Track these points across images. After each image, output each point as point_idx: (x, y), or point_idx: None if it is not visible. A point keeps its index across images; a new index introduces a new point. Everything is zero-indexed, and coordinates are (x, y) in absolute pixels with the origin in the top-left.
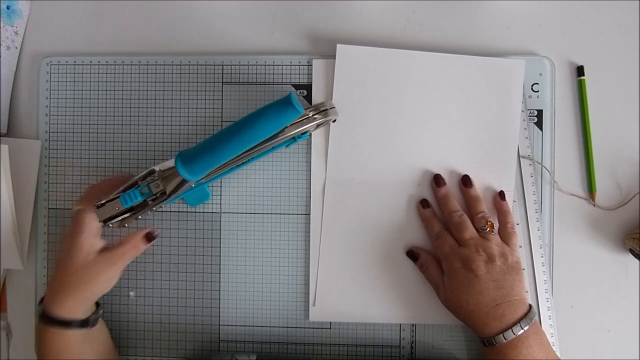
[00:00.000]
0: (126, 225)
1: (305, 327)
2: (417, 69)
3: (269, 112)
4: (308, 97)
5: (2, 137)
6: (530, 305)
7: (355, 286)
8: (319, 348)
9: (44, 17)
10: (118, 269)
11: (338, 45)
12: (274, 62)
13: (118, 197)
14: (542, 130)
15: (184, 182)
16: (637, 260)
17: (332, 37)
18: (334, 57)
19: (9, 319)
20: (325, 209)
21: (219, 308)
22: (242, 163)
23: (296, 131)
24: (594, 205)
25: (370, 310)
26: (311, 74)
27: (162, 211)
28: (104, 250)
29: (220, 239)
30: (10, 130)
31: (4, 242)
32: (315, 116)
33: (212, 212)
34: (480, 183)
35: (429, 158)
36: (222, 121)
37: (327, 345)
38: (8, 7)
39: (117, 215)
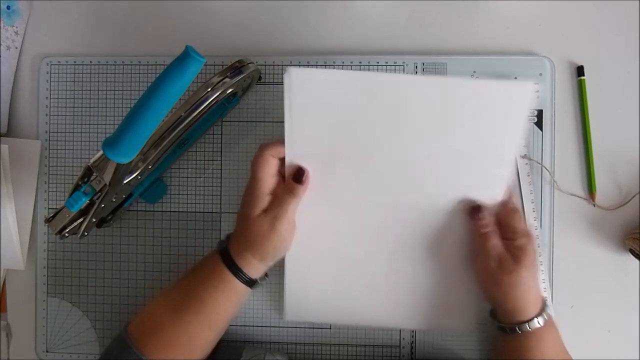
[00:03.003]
0: (86, 234)
1: (305, 327)
2: (388, 94)
3: (170, 69)
4: None
5: (2, 137)
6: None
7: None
8: (319, 348)
9: (44, 17)
10: (283, 224)
11: (288, 68)
12: (273, 62)
13: (64, 206)
14: (542, 130)
15: (119, 166)
16: (637, 260)
17: (332, 37)
18: (335, 55)
19: (9, 319)
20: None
21: None
22: (184, 144)
23: (218, 94)
24: (594, 205)
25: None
26: None
27: (162, 211)
28: (269, 210)
29: (220, 239)
30: (10, 130)
31: (4, 242)
32: (231, 74)
33: (212, 212)
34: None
35: (407, 193)
36: (222, 121)
37: (327, 345)
38: (8, 7)
39: (71, 222)
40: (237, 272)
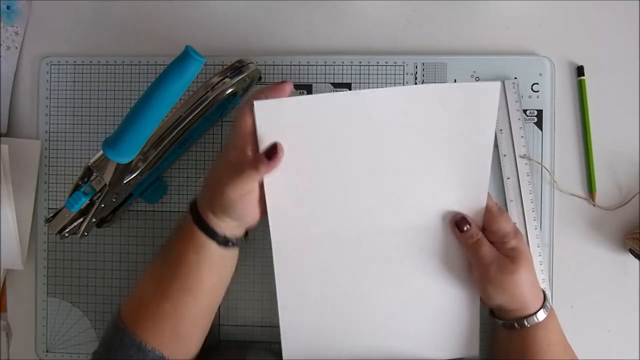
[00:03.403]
0: (86, 234)
1: None
2: (361, 111)
3: (170, 69)
4: None
5: (2, 137)
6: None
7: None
8: None
9: (44, 17)
10: (234, 191)
11: (255, 102)
12: (273, 62)
13: (64, 206)
14: (542, 130)
15: (119, 166)
16: (637, 260)
17: (332, 37)
18: (335, 55)
19: (9, 319)
20: (277, 271)
21: (219, 308)
22: (184, 144)
23: (217, 94)
24: (594, 205)
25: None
26: (311, 73)
27: (162, 211)
28: (230, 164)
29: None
30: (10, 130)
31: (4, 242)
32: (231, 74)
33: None
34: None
35: (395, 210)
36: (222, 121)
37: None
38: (8, 7)
39: (71, 222)
40: (205, 227)
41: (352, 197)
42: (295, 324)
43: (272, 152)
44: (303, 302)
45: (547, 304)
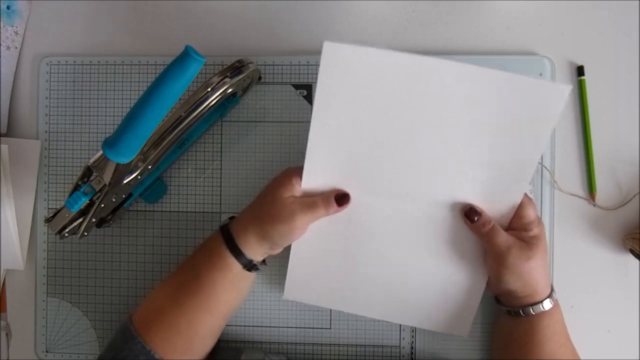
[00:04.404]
0: (86, 234)
1: (305, 327)
2: (423, 79)
3: (170, 69)
4: (308, 97)
5: (2, 137)
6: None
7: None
8: (319, 348)
9: (44, 17)
10: (304, 218)
11: (325, 42)
12: (273, 62)
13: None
14: None
15: (119, 166)
16: (637, 260)
17: (332, 37)
18: None
19: (9, 319)
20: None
21: None
22: (184, 144)
23: (218, 94)
24: (594, 205)
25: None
26: (311, 73)
27: (162, 211)
28: (299, 198)
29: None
30: (10, 130)
31: (4, 242)
32: (231, 74)
33: (212, 212)
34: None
35: (425, 184)
36: (222, 121)
37: (327, 345)
38: (8, 7)
39: (71, 222)
40: (235, 249)
41: (387, 161)
42: (302, 269)
43: (344, 200)
44: (316, 251)
45: (554, 295)
